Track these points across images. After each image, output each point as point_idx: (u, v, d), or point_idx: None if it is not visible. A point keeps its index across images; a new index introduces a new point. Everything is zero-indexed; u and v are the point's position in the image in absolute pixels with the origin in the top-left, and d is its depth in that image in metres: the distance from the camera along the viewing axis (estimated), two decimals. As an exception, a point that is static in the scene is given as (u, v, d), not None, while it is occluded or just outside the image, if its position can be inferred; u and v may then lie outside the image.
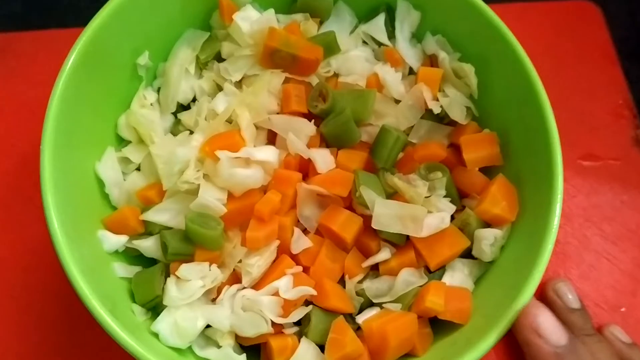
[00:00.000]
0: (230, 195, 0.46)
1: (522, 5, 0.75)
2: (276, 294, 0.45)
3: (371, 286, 0.48)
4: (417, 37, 0.56)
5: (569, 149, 0.67)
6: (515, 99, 0.50)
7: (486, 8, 0.50)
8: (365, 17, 0.56)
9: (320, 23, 0.55)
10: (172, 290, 0.44)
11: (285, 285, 0.45)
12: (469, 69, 0.51)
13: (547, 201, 0.45)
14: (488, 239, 0.47)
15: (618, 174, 0.66)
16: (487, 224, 0.49)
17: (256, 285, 0.46)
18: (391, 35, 0.55)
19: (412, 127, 0.52)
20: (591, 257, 0.63)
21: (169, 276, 0.46)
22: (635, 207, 0.65)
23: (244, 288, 0.46)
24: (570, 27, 0.74)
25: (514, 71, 0.49)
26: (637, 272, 0.62)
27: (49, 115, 0.44)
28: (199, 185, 0.46)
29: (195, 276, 0.45)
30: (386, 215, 0.46)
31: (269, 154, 0.46)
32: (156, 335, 0.44)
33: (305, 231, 0.49)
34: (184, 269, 0.45)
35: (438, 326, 0.47)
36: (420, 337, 0.46)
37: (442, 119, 0.53)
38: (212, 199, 0.45)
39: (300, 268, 0.47)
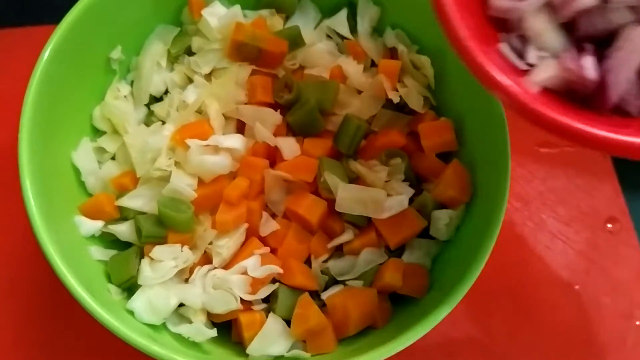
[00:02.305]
0: (200, 181, 0.49)
1: None
2: (245, 273, 0.48)
3: (335, 265, 0.51)
4: (378, 31, 0.59)
5: (527, 137, 0.71)
6: (469, 89, 0.52)
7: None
8: (328, 12, 0.59)
9: (286, 18, 0.58)
10: (146, 271, 0.47)
11: (253, 265, 0.48)
12: (425, 61, 0.54)
13: (497, 183, 0.48)
14: (443, 219, 0.51)
15: (573, 160, 0.70)
16: (443, 206, 0.52)
17: (226, 266, 0.49)
18: (353, 29, 0.58)
19: (374, 116, 0.55)
20: (546, 238, 0.66)
21: (143, 258, 0.48)
22: (588, 191, 0.69)
23: (215, 268, 0.49)
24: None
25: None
26: (589, 252, 0.66)
27: (26, 106, 0.46)
28: (170, 172, 0.49)
29: (167, 257, 0.47)
30: (349, 198, 0.49)
31: (235, 141, 0.49)
32: (131, 312, 0.47)
33: (273, 215, 0.52)
34: (157, 251, 0.47)
35: (397, 301, 0.50)
36: (380, 311, 0.49)
37: (402, 108, 0.56)
38: (183, 184, 0.48)
39: (267, 249, 0.50)
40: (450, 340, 0.61)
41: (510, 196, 0.67)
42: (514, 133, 0.65)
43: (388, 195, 0.50)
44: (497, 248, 0.64)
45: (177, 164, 0.49)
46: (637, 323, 0.62)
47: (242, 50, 0.53)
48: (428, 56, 0.55)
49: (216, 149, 0.49)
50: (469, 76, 0.52)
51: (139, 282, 0.47)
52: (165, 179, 0.49)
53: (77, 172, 0.52)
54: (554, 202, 0.68)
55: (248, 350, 0.47)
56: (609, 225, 0.67)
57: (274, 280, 0.49)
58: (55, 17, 0.50)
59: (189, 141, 0.48)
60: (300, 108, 0.52)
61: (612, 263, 0.65)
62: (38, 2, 0.72)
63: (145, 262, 0.48)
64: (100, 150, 0.53)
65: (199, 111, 0.52)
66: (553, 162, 0.70)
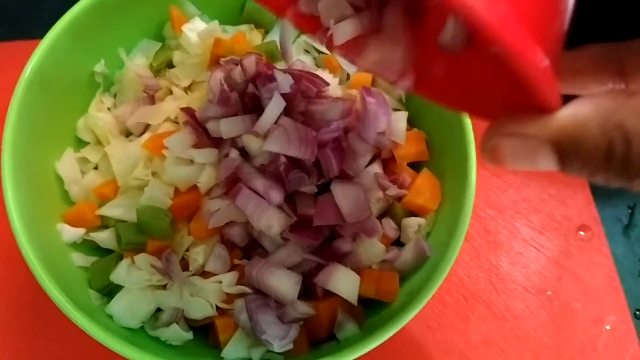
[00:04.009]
0: (177, 190, 0.51)
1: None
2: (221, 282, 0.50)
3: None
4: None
5: (502, 147, 0.73)
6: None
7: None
8: (306, 27, 0.61)
9: (265, 33, 0.61)
10: (121, 271, 0.49)
11: (229, 281, 0.49)
12: (395, 75, 0.57)
13: (463, 193, 0.50)
14: (413, 227, 0.53)
15: (546, 170, 0.72)
16: (414, 214, 0.54)
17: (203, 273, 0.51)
18: (330, 44, 0.60)
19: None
20: (520, 245, 0.68)
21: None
22: (560, 200, 0.71)
23: (193, 275, 0.51)
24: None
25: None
26: (561, 259, 0.68)
27: (9, 118, 0.48)
28: (148, 181, 0.50)
29: (146, 267, 0.49)
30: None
31: (209, 156, 0.51)
32: (110, 317, 0.48)
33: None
34: (140, 258, 0.49)
35: (371, 305, 0.52)
36: (352, 315, 0.51)
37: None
38: (159, 193, 0.49)
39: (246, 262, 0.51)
40: (426, 344, 0.62)
41: (485, 205, 0.70)
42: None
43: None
44: (472, 255, 0.67)
45: (154, 173, 0.51)
46: (607, 328, 0.64)
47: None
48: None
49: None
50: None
51: (111, 278, 0.49)
52: (144, 188, 0.51)
53: (60, 181, 0.54)
54: (528, 210, 0.70)
55: (223, 354, 0.48)
56: (581, 233, 0.69)
57: (250, 287, 0.51)
58: (45, 32, 0.52)
59: (165, 152, 0.49)
60: (277, 119, 0.54)
61: (583, 270, 0.67)
62: (28, 17, 0.75)
63: (124, 263, 0.49)
64: (84, 161, 0.55)
65: (177, 121, 0.54)
66: (527, 172, 0.72)
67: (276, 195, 0.47)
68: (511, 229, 0.69)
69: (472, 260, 0.67)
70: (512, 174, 0.72)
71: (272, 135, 0.47)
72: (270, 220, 0.47)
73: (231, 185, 0.50)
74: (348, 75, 0.60)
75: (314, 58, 0.60)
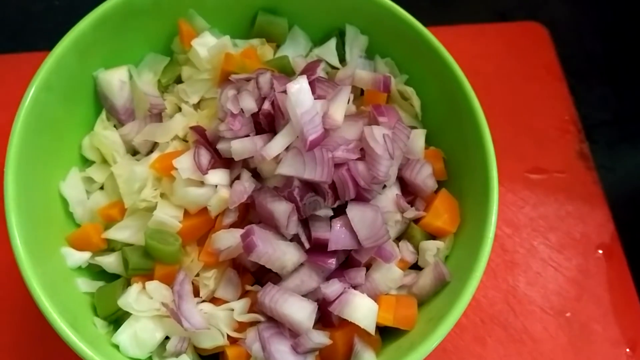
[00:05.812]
0: (187, 212, 0.49)
1: (476, 27, 0.80)
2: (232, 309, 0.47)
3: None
4: (370, 58, 0.59)
5: (518, 163, 0.71)
6: (456, 118, 0.53)
7: (423, 29, 0.53)
8: (319, 41, 0.59)
9: (277, 47, 0.59)
10: (130, 297, 0.47)
11: (241, 308, 0.47)
12: (411, 91, 0.55)
13: (484, 213, 0.48)
14: (431, 250, 0.51)
15: (563, 186, 0.70)
16: (432, 236, 0.52)
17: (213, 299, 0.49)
18: (343, 58, 0.58)
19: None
20: (538, 265, 0.66)
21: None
22: (579, 217, 0.69)
23: (203, 301, 0.48)
24: (520, 47, 0.78)
25: (452, 92, 0.52)
26: (580, 279, 0.66)
27: (13, 137, 0.46)
28: (156, 203, 0.48)
29: (157, 297, 0.47)
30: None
31: (221, 177, 0.49)
32: (117, 346, 0.46)
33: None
34: (152, 285, 0.47)
35: (387, 332, 0.50)
36: (369, 343, 0.48)
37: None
38: (168, 216, 0.47)
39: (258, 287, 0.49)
40: (441, 369, 0.60)
41: (502, 223, 0.68)
42: (504, 160, 0.65)
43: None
44: (488, 275, 0.65)
45: (163, 195, 0.49)
46: (627, 351, 0.62)
47: (232, 80, 0.53)
48: (416, 86, 0.56)
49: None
50: (454, 105, 0.53)
51: (118, 303, 0.47)
52: (152, 209, 0.49)
53: (65, 202, 0.51)
54: (545, 228, 0.68)
55: (234, 384, 0.46)
56: (600, 252, 0.67)
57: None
58: (47, 43, 0.51)
59: (175, 172, 0.47)
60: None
61: (603, 290, 0.65)
62: (30, 28, 0.73)
63: (135, 288, 0.47)
64: (89, 180, 0.53)
65: (186, 140, 0.52)
66: (544, 189, 0.70)
67: (294, 225, 0.45)
68: (528, 247, 0.67)
69: (489, 280, 0.65)
70: (529, 190, 0.70)
71: (286, 158, 0.45)
72: (284, 262, 0.45)
73: (244, 210, 0.48)
74: (362, 91, 0.58)
75: (327, 72, 0.58)
